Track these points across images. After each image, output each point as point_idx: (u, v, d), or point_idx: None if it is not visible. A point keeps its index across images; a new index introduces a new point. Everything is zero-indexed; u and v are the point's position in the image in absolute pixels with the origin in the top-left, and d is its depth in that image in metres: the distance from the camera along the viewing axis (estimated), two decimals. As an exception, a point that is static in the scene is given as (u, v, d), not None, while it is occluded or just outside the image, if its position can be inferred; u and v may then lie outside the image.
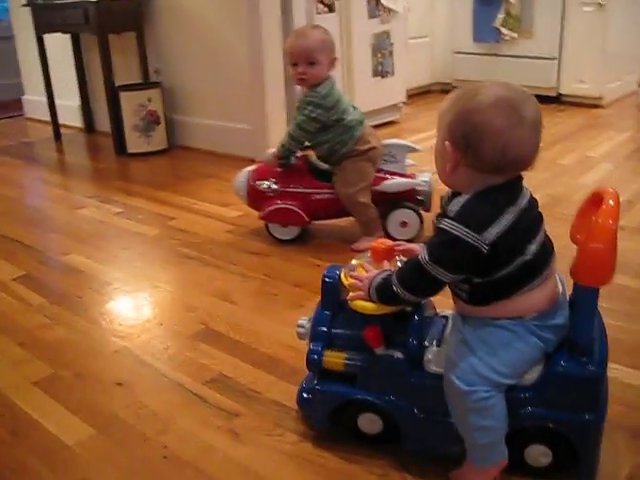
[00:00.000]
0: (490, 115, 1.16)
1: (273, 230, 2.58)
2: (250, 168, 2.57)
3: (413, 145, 2.62)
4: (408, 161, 2.59)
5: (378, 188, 2.48)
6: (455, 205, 1.20)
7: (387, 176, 2.52)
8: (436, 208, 2.51)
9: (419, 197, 2.53)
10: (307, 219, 2.50)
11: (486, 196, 1.20)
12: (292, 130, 2.43)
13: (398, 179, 2.52)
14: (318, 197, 2.50)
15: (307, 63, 2.37)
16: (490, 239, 1.16)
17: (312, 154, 2.58)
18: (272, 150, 2.52)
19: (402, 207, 2.52)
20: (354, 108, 2.49)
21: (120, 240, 2.69)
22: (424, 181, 2.52)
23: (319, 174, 2.53)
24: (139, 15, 3.96)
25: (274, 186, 2.49)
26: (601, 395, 1.29)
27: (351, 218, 2.57)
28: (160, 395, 1.67)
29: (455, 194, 1.26)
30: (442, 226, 1.19)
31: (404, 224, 2.52)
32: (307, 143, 2.51)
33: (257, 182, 2.51)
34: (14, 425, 1.58)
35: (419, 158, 2.66)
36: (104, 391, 1.70)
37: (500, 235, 1.17)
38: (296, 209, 2.48)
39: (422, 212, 2.53)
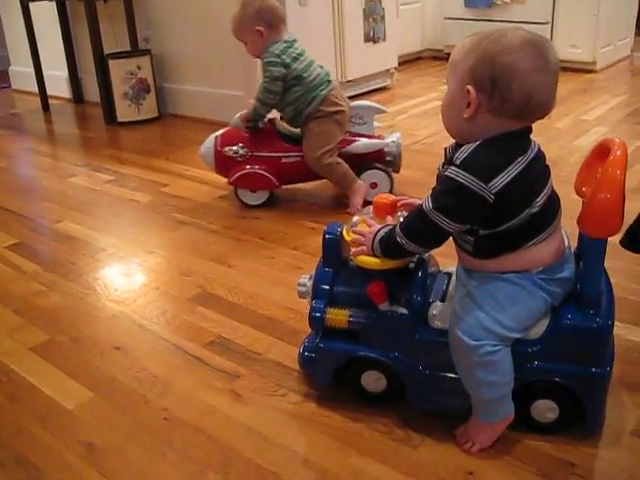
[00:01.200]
0: (519, 56, 1.13)
1: (242, 195, 2.57)
2: (217, 134, 2.54)
3: (380, 107, 2.62)
4: (375, 123, 2.59)
5: (347, 150, 2.47)
6: (462, 153, 1.17)
7: (356, 138, 2.51)
8: (405, 168, 2.60)
9: (388, 158, 2.54)
10: (277, 183, 2.49)
11: (495, 144, 1.17)
12: (260, 94, 2.42)
13: (366, 140, 2.52)
14: (287, 160, 2.49)
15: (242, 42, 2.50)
16: (496, 188, 1.14)
17: (278, 118, 2.57)
18: (240, 114, 2.49)
19: (371, 168, 2.52)
20: (321, 68, 2.48)
21: (112, 207, 2.66)
22: (392, 142, 2.54)
23: (285, 138, 2.52)
24: (126, -19, 3.88)
25: (242, 151, 2.47)
26: (608, 348, 1.28)
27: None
28: (159, 358, 1.65)
29: (460, 145, 1.23)
30: (447, 174, 1.17)
31: (374, 185, 2.52)
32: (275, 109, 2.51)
33: (225, 148, 2.49)
34: (13, 390, 1.56)
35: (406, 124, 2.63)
36: (102, 355, 1.68)
37: (507, 185, 1.14)
38: (265, 173, 2.47)
39: (392, 173, 2.55)
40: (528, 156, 1.19)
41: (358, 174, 2.48)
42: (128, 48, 3.97)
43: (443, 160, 1.26)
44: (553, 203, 1.25)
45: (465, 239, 1.25)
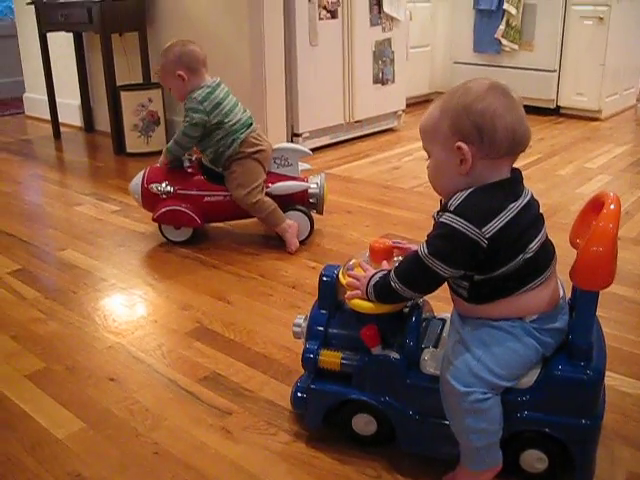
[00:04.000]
0: (491, 100, 1.18)
1: (166, 232, 2.59)
2: (145, 170, 2.57)
3: (305, 149, 2.68)
4: (303, 165, 2.64)
5: (268, 191, 2.52)
6: (456, 199, 1.20)
7: (278, 179, 2.55)
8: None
9: (311, 200, 2.60)
10: (199, 221, 2.52)
11: (487, 191, 1.20)
12: (177, 136, 2.48)
13: (287, 182, 2.56)
14: (210, 199, 2.52)
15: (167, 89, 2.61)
16: (490, 234, 1.16)
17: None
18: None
19: (291, 210, 2.55)
20: (244, 111, 2.53)
21: (116, 238, 2.68)
22: (315, 183, 2.59)
23: (212, 176, 2.55)
24: (142, 15, 3.96)
25: (167, 188, 2.50)
26: (598, 400, 1.28)
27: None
28: (153, 391, 1.66)
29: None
30: (442, 220, 1.19)
31: None
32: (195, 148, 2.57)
33: (151, 185, 2.51)
34: (4, 417, 1.56)
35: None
36: (96, 386, 1.68)
37: (500, 230, 1.17)
38: (187, 211, 2.50)
39: (314, 215, 2.62)
40: (521, 202, 1.21)
41: None
42: (140, 81, 4.03)
43: (439, 208, 1.29)
44: (547, 250, 1.26)
45: (460, 284, 1.27)
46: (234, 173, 2.47)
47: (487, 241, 1.16)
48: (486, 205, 1.18)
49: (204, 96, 2.44)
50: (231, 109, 2.48)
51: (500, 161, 1.21)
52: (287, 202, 2.55)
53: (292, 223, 2.50)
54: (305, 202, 2.59)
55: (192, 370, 1.74)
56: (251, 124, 2.51)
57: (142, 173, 2.56)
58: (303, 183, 2.58)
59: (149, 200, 2.54)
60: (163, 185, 2.50)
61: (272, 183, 2.53)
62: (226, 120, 2.45)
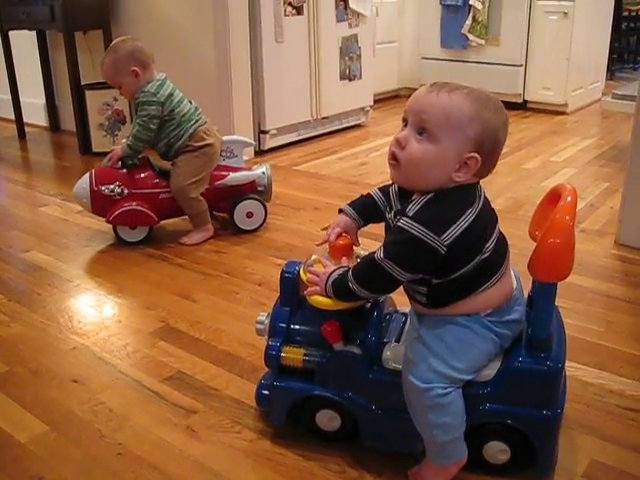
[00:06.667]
0: (505, 132, 1.22)
1: (121, 233, 2.57)
2: (90, 173, 2.52)
3: (249, 141, 2.83)
4: (244, 156, 2.71)
5: (224, 182, 2.57)
6: (415, 204, 1.20)
7: (225, 171, 2.61)
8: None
9: (259, 188, 2.66)
10: (156, 219, 2.53)
11: (446, 197, 1.20)
12: (136, 131, 2.47)
13: (242, 172, 2.63)
14: (165, 196, 2.53)
15: (116, 87, 2.56)
16: (448, 240, 1.16)
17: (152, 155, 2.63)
18: (109, 156, 2.51)
19: (247, 199, 2.62)
20: (191, 103, 2.56)
21: (82, 238, 2.65)
22: (262, 172, 2.66)
23: (162, 174, 2.56)
24: (106, 13, 3.91)
25: (119, 189, 2.47)
26: (559, 391, 1.29)
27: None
28: (117, 392, 1.65)
29: (405, 190, 1.27)
30: (400, 225, 1.18)
31: (250, 214, 2.64)
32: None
33: (102, 187, 2.47)
34: (-35, 422, 1.54)
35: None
36: (60, 388, 1.67)
37: (459, 236, 1.16)
38: (144, 209, 2.50)
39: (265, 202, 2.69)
40: (477, 205, 1.21)
41: (234, 205, 2.61)
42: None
43: (385, 200, 1.33)
44: (501, 246, 1.27)
45: (417, 290, 1.27)
46: (178, 164, 2.50)
47: (445, 248, 1.16)
48: (445, 212, 1.18)
49: (157, 87, 2.46)
50: (180, 101, 2.52)
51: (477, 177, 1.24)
52: (239, 192, 2.60)
53: (211, 228, 2.58)
54: (254, 191, 2.65)
55: (157, 370, 1.73)
56: (198, 118, 2.53)
57: (87, 176, 2.51)
58: (256, 173, 2.65)
59: (100, 203, 2.49)
60: (114, 186, 2.47)
61: (222, 176, 2.57)
62: (176, 110, 2.49)
